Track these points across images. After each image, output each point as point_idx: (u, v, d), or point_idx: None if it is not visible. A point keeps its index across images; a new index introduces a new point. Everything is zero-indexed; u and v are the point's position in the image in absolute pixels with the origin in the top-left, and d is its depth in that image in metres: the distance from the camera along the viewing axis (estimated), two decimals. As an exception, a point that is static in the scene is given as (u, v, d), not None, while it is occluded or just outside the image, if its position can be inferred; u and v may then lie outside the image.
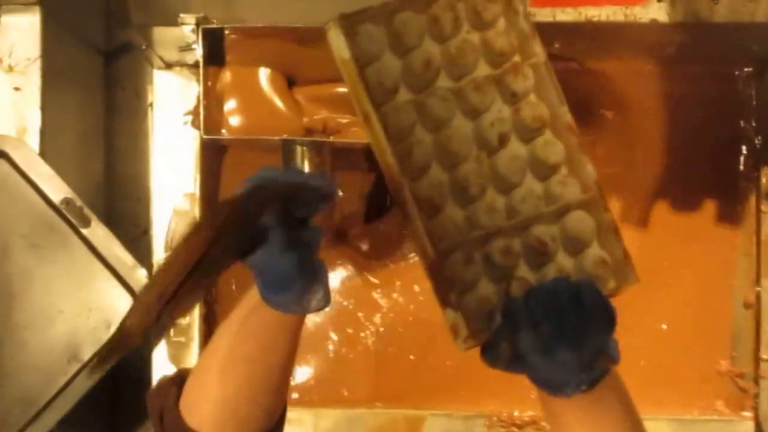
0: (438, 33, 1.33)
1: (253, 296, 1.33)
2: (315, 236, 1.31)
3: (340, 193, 1.94)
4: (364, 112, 1.31)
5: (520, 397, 1.90)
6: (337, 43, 1.30)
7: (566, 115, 1.35)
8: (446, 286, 1.29)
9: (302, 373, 1.98)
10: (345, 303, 1.98)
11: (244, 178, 1.27)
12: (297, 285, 1.30)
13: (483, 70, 1.34)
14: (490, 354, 1.26)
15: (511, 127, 1.34)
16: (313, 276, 1.31)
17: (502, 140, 1.33)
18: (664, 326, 1.93)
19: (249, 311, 1.35)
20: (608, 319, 1.25)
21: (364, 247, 1.96)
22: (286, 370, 1.40)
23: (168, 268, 1.20)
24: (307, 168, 1.79)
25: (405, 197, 1.29)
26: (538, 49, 1.36)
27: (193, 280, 1.19)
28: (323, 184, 1.29)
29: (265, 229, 1.25)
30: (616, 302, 1.28)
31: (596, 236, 1.35)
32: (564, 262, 1.34)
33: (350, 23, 1.30)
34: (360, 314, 1.97)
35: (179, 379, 1.40)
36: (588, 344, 1.23)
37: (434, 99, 1.32)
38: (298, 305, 1.32)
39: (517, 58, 1.35)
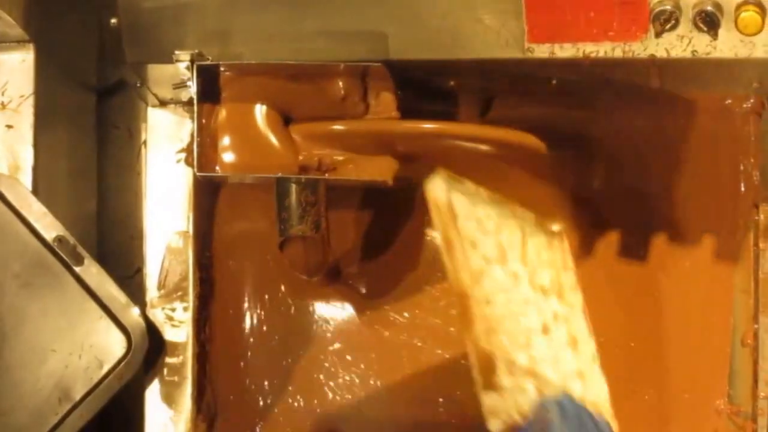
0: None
1: None
2: None
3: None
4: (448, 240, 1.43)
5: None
6: (439, 190, 1.43)
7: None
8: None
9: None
10: (337, 345, 1.96)
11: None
12: None
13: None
14: None
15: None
16: None
17: (545, 329, 1.52)
18: (661, 364, 1.91)
19: None
20: None
21: (361, 286, 1.95)
22: None
23: None
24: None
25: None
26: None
27: None
28: None
29: None
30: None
31: None
32: None
33: (450, 180, 1.45)
34: (349, 357, 1.96)
35: None
36: None
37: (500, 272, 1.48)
38: None
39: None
